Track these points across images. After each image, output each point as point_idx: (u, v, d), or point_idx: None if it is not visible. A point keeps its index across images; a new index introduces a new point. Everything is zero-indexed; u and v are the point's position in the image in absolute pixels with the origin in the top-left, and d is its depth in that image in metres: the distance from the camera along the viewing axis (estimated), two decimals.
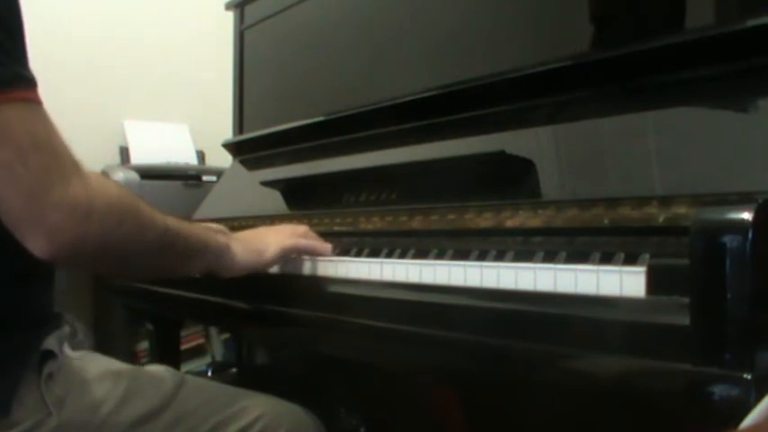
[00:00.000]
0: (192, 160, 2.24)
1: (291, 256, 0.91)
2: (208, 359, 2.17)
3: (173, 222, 0.77)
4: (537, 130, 0.88)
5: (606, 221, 0.70)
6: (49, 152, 0.64)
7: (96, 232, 0.66)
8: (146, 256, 0.76)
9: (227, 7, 1.58)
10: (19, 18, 0.67)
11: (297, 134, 1.30)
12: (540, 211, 0.77)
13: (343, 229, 1.01)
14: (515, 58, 0.93)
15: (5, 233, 0.65)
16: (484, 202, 0.84)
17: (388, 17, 1.18)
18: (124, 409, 0.77)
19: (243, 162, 1.49)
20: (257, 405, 0.87)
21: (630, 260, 0.62)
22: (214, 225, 0.96)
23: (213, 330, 2.18)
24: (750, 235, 0.48)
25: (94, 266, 0.83)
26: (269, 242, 0.89)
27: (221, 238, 0.85)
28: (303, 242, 0.91)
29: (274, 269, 0.93)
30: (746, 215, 0.49)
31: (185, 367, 1.89)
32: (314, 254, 0.90)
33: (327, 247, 0.91)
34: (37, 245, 0.65)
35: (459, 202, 0.87)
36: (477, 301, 0.68)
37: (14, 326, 0.72)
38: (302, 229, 0.94)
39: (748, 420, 0.40)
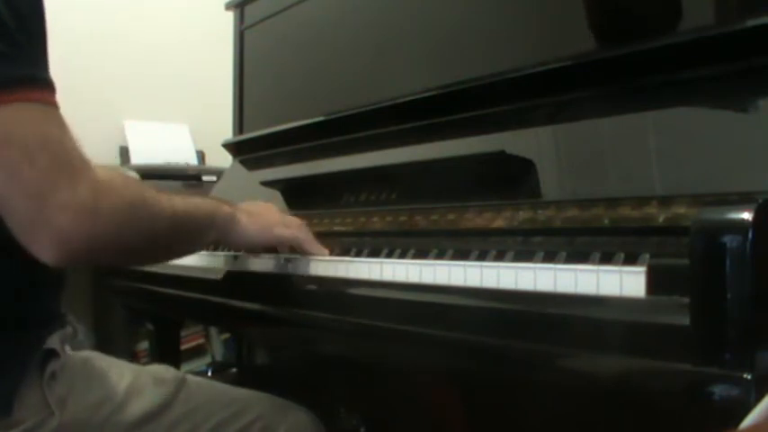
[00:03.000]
0: (192, 160, 2.24)
1: (286, 244, 0.92)
2: (208, 359, 2.18)
3: (179, 203, 0.77)
4: (537, 130, 0.88)
5: (606, 221, 0.70)
6: (56, 153, 0.63)
7: (106, 232, 0.66)
8: (159, 244, 0.76)
9: (227, 7, 1.58)
10: (42, 21, 0.67)
11: (297, 134, 1.30)
12: (540, 211, 0.77)
13: (343, 229, 1.01)
14: (515, 58, 0.93)
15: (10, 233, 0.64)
16: (484, 202, 0.84)
17: (388, 17, 1.18)
18: (125, 408, 0.77)
19: (243, 162, 1.49)
20: (258, 405, 0.87)
21: (630, 260, 0.62)
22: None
23: (213, 330, 2.18)
24: (750, 235, 0.48)
25: (108, 262, 0.83)
26: (275, 221, 0.90)
27: (227, 209, 0.85)
28: (310, 238, 0.91)
29: (274, 268, 0.93)
30: (746, 215, 0.49)
31: (185, 367, 1.89)
32: (307, 251, 0.90)
33: (324, 249, 0.91)
34: (43, 250, 0.63)
35: (459, 202, 0.87)
36: (477, 301, 0.68)
37: (18, 325, 0.72)
38: (296, 222, 0.93)
39: (748, 420, 0.40)
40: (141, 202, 0.71)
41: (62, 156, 0.63)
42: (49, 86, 0.65)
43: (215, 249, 1.14)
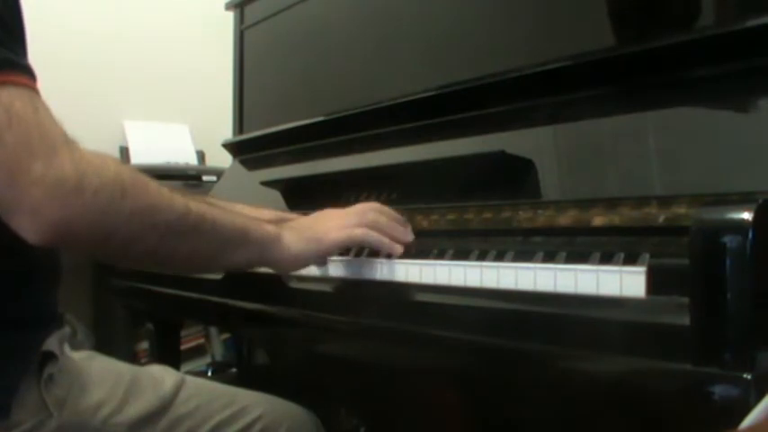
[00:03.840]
0: (192, 160, 2.24)
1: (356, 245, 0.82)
2: (208, 359, 2.18)
3: (199, 206, 0.71)
4: (537, 130, 0.88)
5: (606, 221, 0.70)
6: (29, 129, 0.60)
7: (91, 209, 0.61)
8: (163, 241, 0.68)
9: (227, 7, 1.58)
10: (16, 10, 0.66)
11: (297, 134, 1.30)
12: (540, 211, 0.77)
13: None
14: (515, 57, 0.93)
15: (5, 232, 0.64)
16: (484, 202, 0.84)
17: (388, 17, 1.18)
18: (124, 409, 0.77)
19: (243, 162, 1.49)
20: (257, 405, 0.87)
21: (630, 260, 0.62)
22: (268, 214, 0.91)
23: (213, 330, 2.18)
24: (750, 235, 0.48)
25: (101, 252, 0.71)
26: (330, 226, 0.80)
27: (269, 228, 0.77)
28: (374, 236, 0.80)
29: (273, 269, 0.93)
30: (746, 215, 0.49)
31: (185, 367, 1.89)
32: (382, 251, 0.80)
33: (398, 247, 0.80)
34: (22, 226, 0.60)
35: (459, 202, 0.87)
36: (477, 301, 0.68)
37: (15, 326, 0.72)
38: (372, 214, 0.81)
39: (748, 420, 0.40)
40: (140, 185, 0.66)
41: (35, 133, 0.60)
42: (19, 67, 0.62)
43: None
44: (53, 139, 0.61)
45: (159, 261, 0.75)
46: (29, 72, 0.64)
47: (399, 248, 0.80)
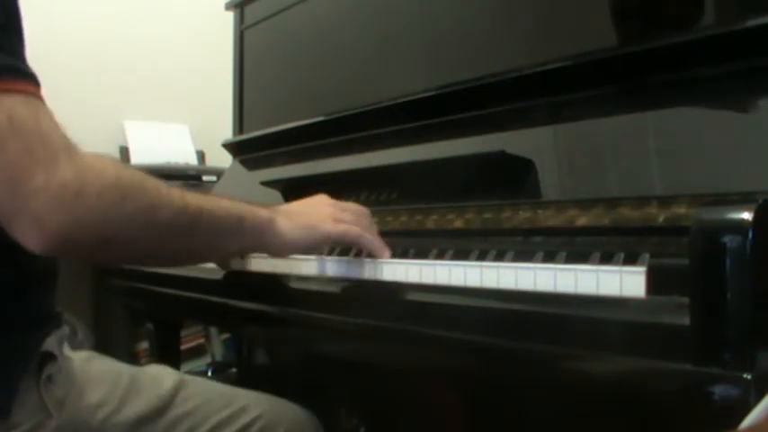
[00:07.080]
0: (192, 160, 2.24)
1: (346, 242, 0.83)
2: (208, 359, 2.17)
3: (195, 199, 0.71)
4: (537, 130, 0.88)
5: (606, 221, 0.70)
6: (31, 136, 0.59)
7: (92, 215, 0.61)
8: (163, 239, 0.69)
9: (227, 7, 1.58)
10: (15, 14, 0.65)
11: (297, 134, 1.30)
12: (539, 211, 0.77)
13: None
14: (515, 57, 0.93)
15: (3, 232, 0.64)
16: (484, 202, 0.84)
17: (388, 17, 1.18)
18: (124, 409, 0.77)
19: (243, 162, 1.49)
20: (257, 405, 0.87)
21: (630, 260, 0.62)
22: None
23: (213, 330, 2.18)
24: (750, 235, 0.48)
25: (102, 255, 0.73)
26: (324, 216, 0.81)
27: (263, 213, 0.77)
28: (367, 237, 0.81)
29: (276, 269, 0.93)
30: (746, 215, 0.49)
31: (185, 367, 1.89)
32: (371, 254, 0.82)
33: (386, 250, 0.81)
34: (25, 236, 0.61)
35: (459, 202, 0.87)
36: (477, 301, 0.68)
37: (14, 327, 0.71)
38: (366, 218, 0.83)
39: (748, 420, 0.40)
40: (139, 186, 0.66)
41: (36, 140, 0.60)
42: (30, 78, 0.63)
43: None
44: (54, 145, 0.61)
45: (159, 259, 0.77)
46: (32, 78, 0.63)
47: (388, 252, 0.81)
